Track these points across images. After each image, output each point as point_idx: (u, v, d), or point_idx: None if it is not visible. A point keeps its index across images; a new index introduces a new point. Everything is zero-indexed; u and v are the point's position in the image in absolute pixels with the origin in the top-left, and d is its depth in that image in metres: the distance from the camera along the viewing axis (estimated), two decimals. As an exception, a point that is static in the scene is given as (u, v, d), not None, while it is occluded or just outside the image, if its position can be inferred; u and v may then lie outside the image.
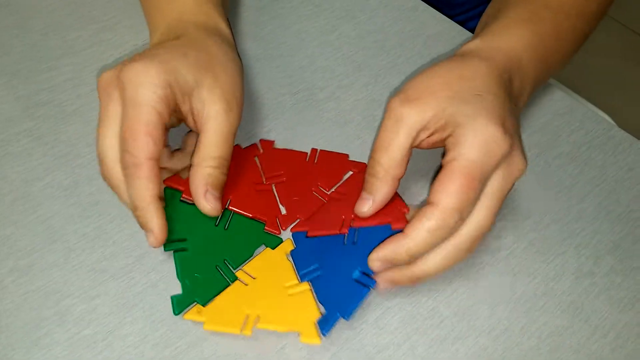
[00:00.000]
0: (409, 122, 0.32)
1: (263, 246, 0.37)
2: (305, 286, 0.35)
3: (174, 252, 0.35)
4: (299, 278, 0.36)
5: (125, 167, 0.32)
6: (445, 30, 0.50)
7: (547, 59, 0.38)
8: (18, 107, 0.44)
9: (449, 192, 0.30)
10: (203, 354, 0.34)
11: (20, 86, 0.45)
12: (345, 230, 0.37)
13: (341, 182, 0.40)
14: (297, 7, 0.51)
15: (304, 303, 0.34)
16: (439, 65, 0.34)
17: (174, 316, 0.35)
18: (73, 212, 0.39)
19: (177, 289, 0.35)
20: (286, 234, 0.38)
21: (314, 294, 0.35)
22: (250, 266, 0.36)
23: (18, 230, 0.38)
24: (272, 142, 0.42)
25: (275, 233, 0.38)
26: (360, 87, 0.46)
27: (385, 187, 0.33)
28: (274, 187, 0.40)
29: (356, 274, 0.35)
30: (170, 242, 0.35)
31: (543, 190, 0.41)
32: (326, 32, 0.50)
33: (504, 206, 0.40)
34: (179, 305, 0.34)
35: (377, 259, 0.33)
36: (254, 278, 0.35)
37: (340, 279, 0.35)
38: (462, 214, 0.30)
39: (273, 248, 0.37)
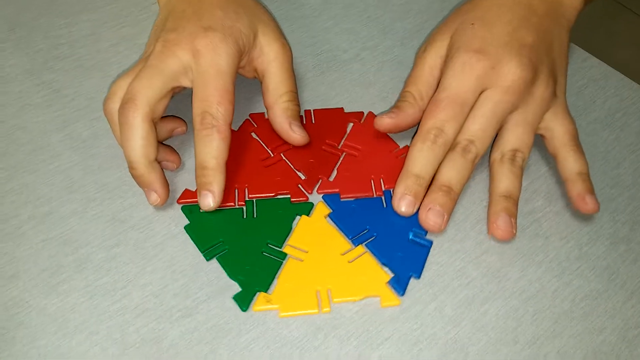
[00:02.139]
0: (429, 60, 0.37)
1: (298, 217, 0.36)
2: (361, 249, 0.34)
3: (217, 257, 0.34)
4: (350, 242, 0.35)
5: (203, 127, 0.33)
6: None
7: None
8: (38, 60, 0.43)
9: (425, 116, 0.35)
10: (225, 304, 0.33)
11: (39, 39, 0.45)
12: (381, 193, 0.36)
13: (347, 134, 0.39)
14: (322, -32, 0.50)
15: (368, 267, 0.34)
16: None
17: (195, 267, 0.34)
18: (92, 163, 0.38)
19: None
20: (314, 198, 0.37)
21: (374, 256, 0.34)
22: (295, 239, 0.35)
23: (37, 179, 0.37)
24: (262, 114, 0.41)
25: (304, 200, 0.37)
26: (386, 50, 0.45)
27: (412, 110, 0.37)
28: (283, 156, 0.38)
29: (410, 235, 0.35)
30: (209, 249, 0.34)
31: (576, 155, 0.39)
32: (351, -6, 0.49)
33: (537, 169, 0.39)
34: (243, 301, 0.32)
35: None
36: (306, 252, 0.34)
37: (396, 240, 0.34)
38: (443, 128, 0.34)
39: (308, 214, 0.36)
